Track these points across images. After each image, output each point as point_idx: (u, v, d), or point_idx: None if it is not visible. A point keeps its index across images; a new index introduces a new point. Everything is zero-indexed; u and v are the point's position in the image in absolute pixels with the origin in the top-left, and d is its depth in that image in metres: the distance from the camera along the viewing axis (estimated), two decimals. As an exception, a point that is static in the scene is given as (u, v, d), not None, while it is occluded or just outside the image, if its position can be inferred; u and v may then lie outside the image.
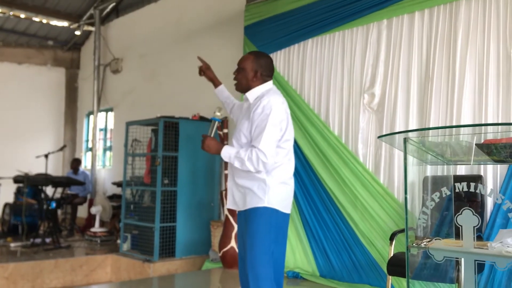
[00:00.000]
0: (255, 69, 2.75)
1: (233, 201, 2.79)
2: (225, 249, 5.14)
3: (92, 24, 9.57)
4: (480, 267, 1.81)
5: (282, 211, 2.69)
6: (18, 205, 7.20)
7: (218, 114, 2.78)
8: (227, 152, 2.64)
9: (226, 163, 3.71)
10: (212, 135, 2.73)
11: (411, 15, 4.22)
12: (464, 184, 1.81)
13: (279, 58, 5.39)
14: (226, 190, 5.12)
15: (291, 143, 2.79)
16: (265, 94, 2.70)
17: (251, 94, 2.77)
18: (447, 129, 2.19)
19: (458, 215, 1.78)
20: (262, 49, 5.47)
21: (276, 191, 2.66)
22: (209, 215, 5.95)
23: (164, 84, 7.77)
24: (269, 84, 2.80)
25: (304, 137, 4.95)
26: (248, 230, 2.65)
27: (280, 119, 2.65)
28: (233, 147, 2.72)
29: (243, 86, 2.79)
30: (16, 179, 7.36)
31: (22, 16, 9.08)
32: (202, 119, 6.08)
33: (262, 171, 2.63)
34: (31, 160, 8.21)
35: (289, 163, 2.77)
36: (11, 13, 8.84)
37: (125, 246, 5.91)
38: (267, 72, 2.80)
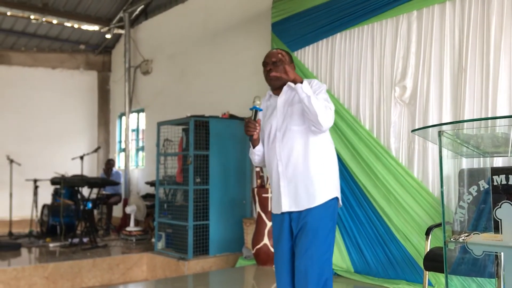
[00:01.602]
0: (290, 61, 2.77)
1: (295, 200, 2.59)
2: (258, 246, 5.16)
3: (122, 27, 9.74)
4: (521, 261, 1.76)
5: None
6: (56, 206, 7.41)
7: (258, 102, 2.64)
8: (307, 85, 2.50)
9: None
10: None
11: (442, 5, 4.13)
12: (503, 176, 1.76)
13: (308, 54, 5.36)
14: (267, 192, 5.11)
15: None
16: (310, 80, 2.67)
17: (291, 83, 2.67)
18: (483, 121, 2.13)
19: (497, 209, 1.73)
20: (290, 45, 5.47)
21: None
22: (242, 213, 5.98)
23: (193, 84, 7.85)
24: None
25: (334, 133, 4.91)
26: (323, 226, 2.56)
27: None
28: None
29: (280, 78, 2.68)
30: (54, 181, 7.57)
31: (55, 21, 9.32)
32: (232, 117, 6.12)
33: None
34: (67, 162, 8.44)
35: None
36: (44, 19, 9.08)
37: (160, 245, 6.01)
38: (294, 65, 2.85)
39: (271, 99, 2.78)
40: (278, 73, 2.60)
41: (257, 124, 2.62)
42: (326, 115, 2.47)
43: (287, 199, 2.59)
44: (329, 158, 2.64)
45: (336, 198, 2.63)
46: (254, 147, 2.74)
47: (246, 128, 2.63)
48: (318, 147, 2.58)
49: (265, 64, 2.75)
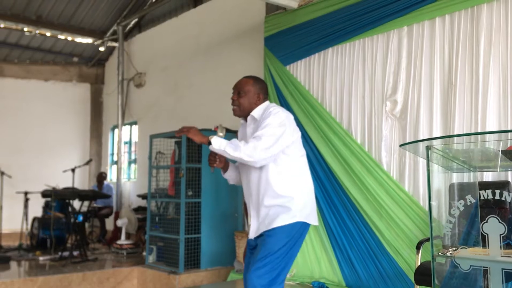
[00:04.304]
0: (257, 92, 2.76)
1: (255, 229, 2.72)
2: (249, 260, 5.13)
3: (115, 40, 9.77)
4: (509, 276, 1.77)
5: None
6: (46, 219, 7.34)
7: (220, 134, 2.67)
8: (218, 140, 2.56)
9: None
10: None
11: (432, 21, 4.19)
12: (489, 191, 1.78)
13: (300, 68, 5.40)
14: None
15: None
16: (270, 106, 2.72)
17: (257, 112, 2.75)
18: (472, 136, 2.16)
19: (483, 223, 1.75)
20: (282, 60, 5.52)
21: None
22: (233, 226, 5.96)
23: (186, 97, 7.86)
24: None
25: (326, 146, 4.94)
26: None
27: (289, 121, 2.64)
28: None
29: (245, 110, 2.76)
30: (44, 193, 7.51)
31: (48, 34, 9.34)
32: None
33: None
34: (58, 174, 8.38)
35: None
36: (37, 31, 9.10)
37: (151, 258, 5.96)
38: (265, 95, 2.82)
39: (242, 128, 2.88)
40: (184, 134, 2.65)
41: (217, 156, 2.71)
42: (251, 155, 2.49)
43: (253, 227, 2.72)
44: (288, 186, 2.63)
45: (295, 223, 2.59)
46: (224, 173, 2.88)
47: (208, 160, 2.73)
48: (274, 178, 2.61)
49: (233, 90, 2.80)
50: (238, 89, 2.77)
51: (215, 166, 2.75)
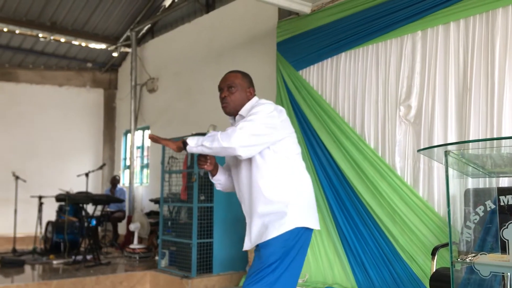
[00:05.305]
0: (248, 85, 2.57)
1: (250, 239, 2.53)
2: (262, 265, 5.11)
3: (128, 46, 9.86)
4: (528, 282, 1.75)
5: None
6: (60, 223, 7.40)
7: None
8: (193, 138, 2.31)
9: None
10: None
11: (446, 25, 4.16)
12: (510, 197, 1.76)
13: (312, 73, 5.40)
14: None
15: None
16: (259, 101, 2.52)
17: (244, 110, 2.53)
18: (488, 141, 2.14)
19: (503, 229, 1.73)
20: (295, 65, 5.52)
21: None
22: (245, 231, 5.94)
23: (198, 102, 7.89)
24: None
25: (339, 151, 4.92)
26: None
27: (279, 114, 2.41)
28: None
29: (237, 106, 2.54)
30: (58, 198, 7.57)
31: (62, 40, 9.46)
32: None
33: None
34: (72, 178, 8.46)
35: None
36: (52, 37, 9.22)
37: (163, 263, 5.98)
38: (254, 89, 2.62)
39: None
40: (161, 143, 2.37)
41: (208, 158, 2.49)
42: (230, 141, 2.23)
43: (247, 238, 2.52)
44: (281, 190, 2.40)
45: (291, 231, 2.36)
46: (212, 177, 2.65)
47: (198, 162, 2.52)
48: (265, 182, 2.40)
49: (220, 89, 2.57)
50: (229, 84, 2.53)
51: (205, 168, 2.52)
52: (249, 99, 2.55)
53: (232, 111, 2.56)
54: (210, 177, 2.68)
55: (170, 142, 2.35)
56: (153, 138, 2.37)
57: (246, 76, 2.60)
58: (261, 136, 2.31)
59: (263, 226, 2.40)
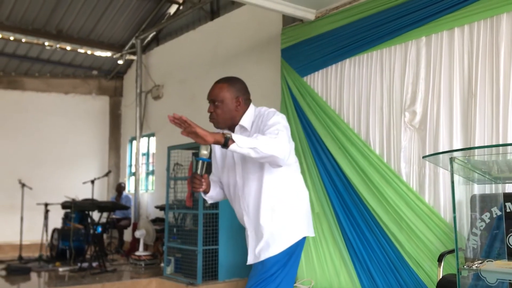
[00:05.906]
0: (235, 96, 2.39)
1: (255, 253, 2.45)
2: (268, 272, 5.10)
3: (134, 53, 9.92)
4: (536, 289, 1.74)
5: None
6: (66, 230, 7.42)
7: (205, 152, 2.27)
8: (240, 137, 2.09)
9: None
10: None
11: (451, 31, 4.16)
12: (516, 203, 1.75)
13: (317, 79, 5.41)
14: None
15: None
16: (262, 109, 2.42)
17: (246, 120, 2.40)
18: (494, 148, 2.13)
19: (510, 236, 1.72)
20: (299, 71, 5.53)
21: None
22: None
23: (204, 109, 7.81)
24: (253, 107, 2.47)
25: (344, 157, 4.91)
26: None
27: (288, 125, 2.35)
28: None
29: (226, 121, 2.41)
30: (64, 205, 7.59)
31: (68, 48, 9.52)
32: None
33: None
34: (78, 186, 8.49)
35: None
36: (58, 45, 9.28)
37: (169, 270, 5.97)
38: (246, 95, 2.45)
39: None
40: (190, 136, 2.10)
41: (203, 180, 2.37)
42: (282, 149, 2.14)
43: (250, 250, 2.46)
44: (286, 200, 2.38)
45: (296, 242, 2.37)
46: (205, 195, 2.55)
47: (192, 185, 2.39)
48: (276, 193, 2.36)
49: (208, 101, 2.45)
50: (212, 99, 2.40)
51: (200, 191, 2.39)
52: (238, 110, 2.40)
53: (221, 126, 2.44)
54: (202, 195, 2.57)
55: (208, 132, 2.06)
56: (186, 122, 2.07)
57: (233, 84, 2.42)
58: (289, 146, 2.28)
59: (270, 239, 2.35)
